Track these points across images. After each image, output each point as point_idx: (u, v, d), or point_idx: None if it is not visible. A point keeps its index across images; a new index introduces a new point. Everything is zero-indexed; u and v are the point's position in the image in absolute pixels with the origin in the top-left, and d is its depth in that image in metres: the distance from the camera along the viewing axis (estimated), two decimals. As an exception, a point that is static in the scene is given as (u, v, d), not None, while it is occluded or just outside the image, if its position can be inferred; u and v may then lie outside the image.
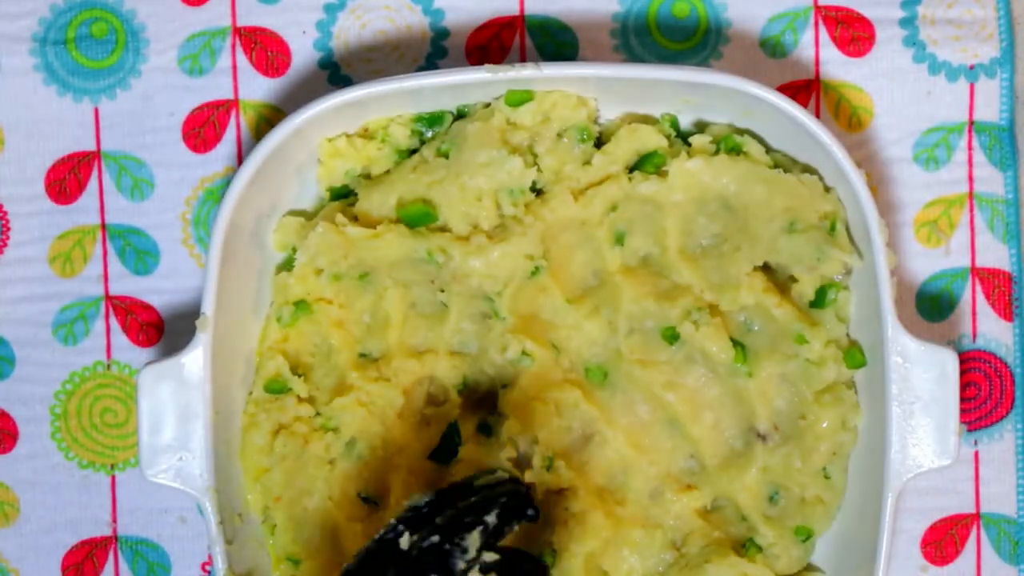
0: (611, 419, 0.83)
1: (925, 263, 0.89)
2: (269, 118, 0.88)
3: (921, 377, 0.79)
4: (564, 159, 0.84)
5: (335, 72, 0.89)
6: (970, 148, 0.89)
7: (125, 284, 0.89)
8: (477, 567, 0.73)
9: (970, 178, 0.89)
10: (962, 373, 0.88)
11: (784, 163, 0.84)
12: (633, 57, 0.89)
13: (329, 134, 0.84)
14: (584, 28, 0.89)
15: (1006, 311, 0.89)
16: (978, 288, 0.89)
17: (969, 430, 0.89)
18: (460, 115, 0.85)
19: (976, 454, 0.89)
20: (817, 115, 0.88)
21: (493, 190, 0.83)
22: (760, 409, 0.83)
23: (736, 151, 0.83)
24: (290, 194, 0.85)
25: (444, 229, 0.83)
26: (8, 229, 0.88)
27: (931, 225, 0.89)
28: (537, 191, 0.84)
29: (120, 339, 0.88)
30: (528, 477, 0.82)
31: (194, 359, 0.80)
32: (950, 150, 0.89)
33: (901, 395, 0.79)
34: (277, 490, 0.83)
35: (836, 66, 0.89)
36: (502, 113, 0.83)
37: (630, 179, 0.83)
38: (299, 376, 0.84)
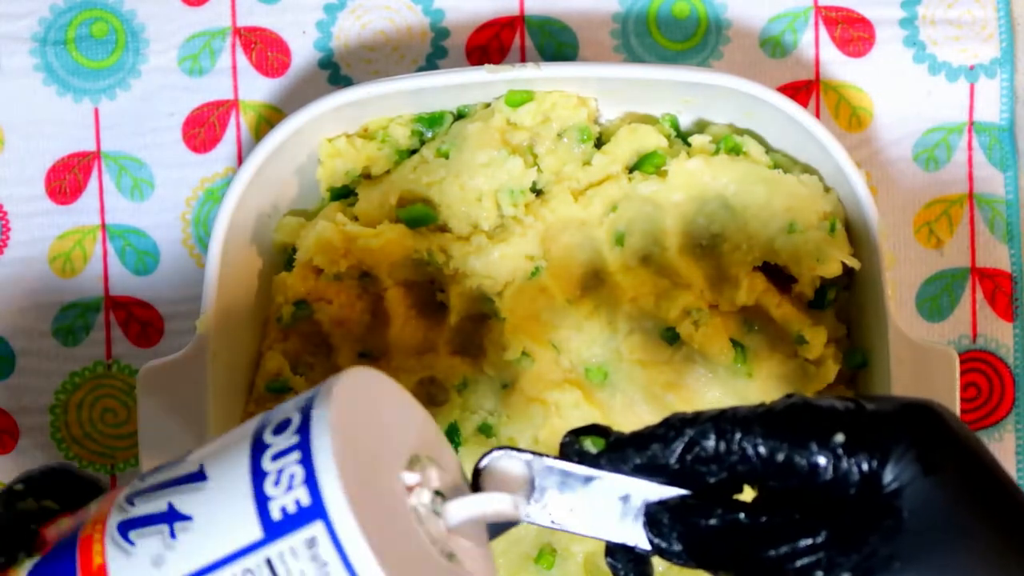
0: (611, 419, 0.83)
1: (925, 263, 0.89)
2: (269, 118, 0.88)
3: (921, 378, 0.79)
4: (564, 159, 0.84)
5: (335, 72, 0.89)
6: (970, 148, 0.89)
7: (125, 284, 0.89)
8: None
9: (970, 178, 0.89)
10: (962, 373, 0.87)
11: (784, 163, 0.84)
12: (633, 57, 0.89)
13: (329, 134, 0.84)
14: (584, 28, 0.89)
15: (1006, 311, 0.89)
16: (978, 288, 0.89)
17: (969, 430, 0.89)
18: (460, 115, 0.85)
19: (976, 454, 0.89)
20: (817, 115, 0.88)
21: (493, 190, 0.82)
22: (760, 409, 0.83)
23: (736, 151, 0.83)
24: (290, 194, 0.85)
25: (444, 229, 0.83)
26: (8, 229, 0.88)
27: (931, 225, 0.89)
28: (537, 191, 0.84)
29: (120, 339, 0.88)
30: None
31: (194, 359, 0.80)
32: (950, 150, 0.89)
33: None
34: (277, 490, 0.83)
35: (836, 66, 0.89)
36: (502, 113, 0.83)
37: (630, 179, 0.83)
38: (299, 376, 0.84)
